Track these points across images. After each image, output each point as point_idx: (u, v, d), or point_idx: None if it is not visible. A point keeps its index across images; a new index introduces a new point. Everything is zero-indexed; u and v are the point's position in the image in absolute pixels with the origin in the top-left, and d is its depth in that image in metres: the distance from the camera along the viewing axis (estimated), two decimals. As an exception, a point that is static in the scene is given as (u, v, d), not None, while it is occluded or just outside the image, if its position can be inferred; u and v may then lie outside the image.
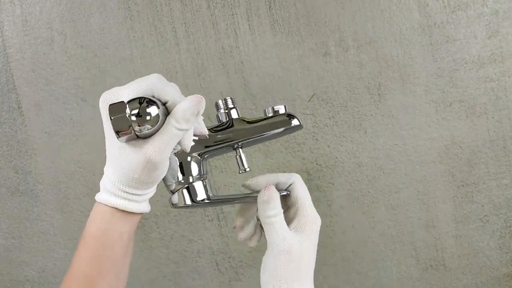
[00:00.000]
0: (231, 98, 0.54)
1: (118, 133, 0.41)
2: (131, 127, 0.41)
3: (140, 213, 0.48)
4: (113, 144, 0.45)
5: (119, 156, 0.45)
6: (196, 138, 0.52)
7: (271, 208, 0.48)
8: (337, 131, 0.72)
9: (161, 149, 0.43)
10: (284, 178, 0.52)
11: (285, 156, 0.72)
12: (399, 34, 0.70)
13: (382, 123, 0.72)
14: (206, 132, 0.50)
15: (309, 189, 0.71)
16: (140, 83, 0.44)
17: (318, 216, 0.50)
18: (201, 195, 0.51)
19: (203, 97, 0.44)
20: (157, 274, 0.75)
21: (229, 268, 0.75)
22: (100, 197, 0.47)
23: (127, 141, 0.43)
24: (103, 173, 0.68)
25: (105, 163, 0.48)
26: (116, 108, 0.41)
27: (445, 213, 0.74)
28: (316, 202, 0.73)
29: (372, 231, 0.75)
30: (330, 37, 0.70)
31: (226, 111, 0.53)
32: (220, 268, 0.75)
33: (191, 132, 0.47)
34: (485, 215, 0.74)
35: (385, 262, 0.75)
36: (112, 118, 0.41)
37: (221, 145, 0.53)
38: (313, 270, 0.49)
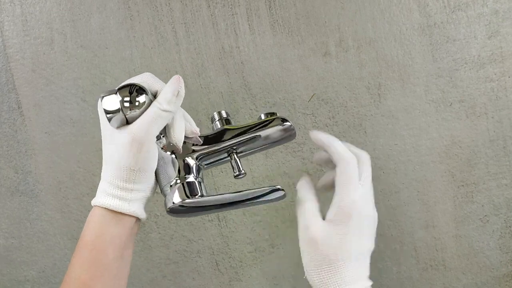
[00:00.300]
0: (225, 111, 0.55)
1: (108, 114, 0.44)
2: (120, 109, 0.44)
3: (132, 216, 0.47)
4: (107, 136, 0.47)
5: (110, 143, 0.47)
6: (191, 142, 0.52)
7: (301, 195, 0.52)
8: (337, 131, 0.72)
9: (144, 126, 0.45)
10: (334, 155, 0.51)
11: (285, 156, 0.72)
12: (399, 34, 0.70)
13: (382, 123, 0.72)
14: (196, 130, 0.51)
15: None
16: (133, 80, 0.47)
17: (355, 208, 0.48)
18: (195, 191, 0.50)
19: (180, 77, 0.48)
20: (157, 274, 0.75)
21: (229, 268, 0.75)
22: (93, 200, 0.48)
23: (119, 125, 0.46)
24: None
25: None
26: (107, 93, 0.45)
27: (445, 213, 0.74)
28: (316, 202, 0.73)
29: (372, 231, 0.75)
30: (330, 37, 0.70)
31: (220, 121, 0.54)
32: (220, 268, 0.75)
33: (180, 125, 0.49)
34: (485, 215, 0.74)
35: (385, 262, 0.75)
36: (102, 101, 0.44)
37: (214, 148, 0.52)
38: (351, 256, 0.48)
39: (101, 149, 0.71)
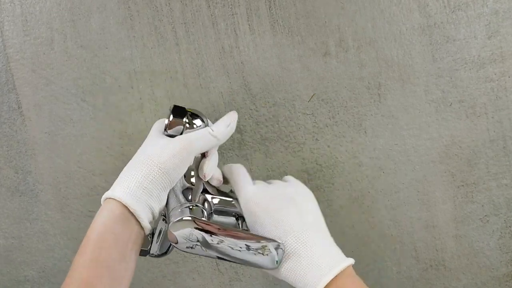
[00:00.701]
0: None
1: (173, 118, 0.52)
2: (184, 120, 0.53)
3: (137, 222, 0.47)
4: (153, 137, 0.52)
5: (150, 144, 0.51)
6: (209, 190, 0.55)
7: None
8: (337, 131, 0.72)
9: (190, 137, 0.50)
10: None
11: (285, 156, 0.72)
12: (399, 34, 0.70)
13: (382, 123, 0.72)
14: (221, 181, 0.57)
15: (309, 189, 0.71)
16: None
17: (253, 205, 0.51)
18: (203, 215, 0.50)
19: (236, 113, 0.56)
20: (157, 274, 0.75)
21: (229, 268, 0.75)
22: (106, 193, 0.48)
23: (170, 133, 0.53)
24: (102, 173, 0.69)
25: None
26: (178, 110, 0.54)
27: (445, 213, 0.74)
28: (316, 202, 0.74)
29: (372, 231, 0.75)
30: (330, 37, 0.70)
31: None
32: (220, 268, 0.75)
33: (214, 162, 0.55)
34: (485, 215, 0.74)
35: (385, 262, 0.75)
36: (173, 107, 0.53)
37: (227, 201, 0.55)
38: (286, 237, 0.49)
39: (101, 149, 0.71)
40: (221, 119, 0.55)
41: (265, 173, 0.73)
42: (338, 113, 0.72)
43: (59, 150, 0.72)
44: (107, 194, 0.47)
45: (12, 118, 0.71)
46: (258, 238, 0.47)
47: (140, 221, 0.47)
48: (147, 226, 0.47)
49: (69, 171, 0.73)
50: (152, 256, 0.56)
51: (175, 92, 0.70)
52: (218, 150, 0.61)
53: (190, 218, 0.46)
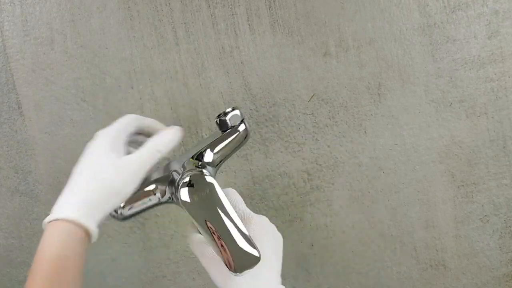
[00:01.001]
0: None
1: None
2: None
3: (89, 239, 0.47)
4: (105, 159, 0.50)
5: (109, 164, 0.50)
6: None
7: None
8: (337, 131, 0.72)
9: (144, 161, 0.50)
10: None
11: (285, 156, 0.72)
12: (399, 34, 0.70)
13: (382, 123, 0.72)
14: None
15: (309, 189, 0.71)
16: (121, 121, 0.54)
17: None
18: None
19: (181, 129, 0.53)
20: (157, 274, 0.75)
21: (229, 268, 0.75)
22: (57, 214, 0.47)
23: (229, 122, 0.56)
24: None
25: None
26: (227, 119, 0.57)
27: (445, 213, 0.74)
28: (316, 202, 0.74)
29: (372, 231, 0.75)
30: (330, 37, 0.70)
31: None
32: (220, 268, 0.75)
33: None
34: (485, 215, 0.74)
35: (385, 262, 0.75)
36: (223, 115, 0.56)
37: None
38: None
39: (101, 149, 0.71)
40: (169, 137, 0.53)
41: (265, 173, 0.73)
42: (338, 113, 0.72)
43: (59, 150, 0.72)
44: (61, 215, 0.46)
45: (12, 118, 0.71)
46: (248, 238, 0.49)
47: (93, 238, 0.48)
48: (95, 240, 0.49)
49: (69, 171, 0.72)
50: (113, 216, 0.54)
51: (175, 92, 0.70)
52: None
53: (208, 173, 0.51)
